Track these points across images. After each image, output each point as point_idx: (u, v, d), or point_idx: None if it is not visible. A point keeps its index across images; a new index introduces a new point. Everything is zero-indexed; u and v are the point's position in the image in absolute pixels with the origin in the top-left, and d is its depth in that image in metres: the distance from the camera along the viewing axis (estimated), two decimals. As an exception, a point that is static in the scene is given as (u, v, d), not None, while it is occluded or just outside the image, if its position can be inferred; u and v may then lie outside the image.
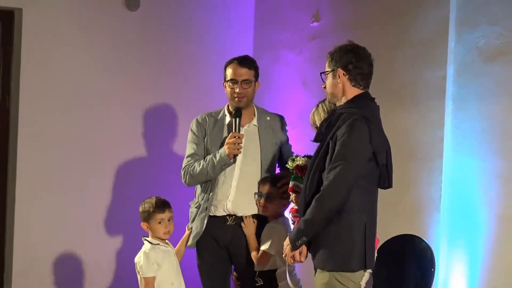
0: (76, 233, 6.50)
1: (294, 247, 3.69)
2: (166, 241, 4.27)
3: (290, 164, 4.14)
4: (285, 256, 3.79)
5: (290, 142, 4.79)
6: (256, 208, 4.39)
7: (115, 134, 6.66)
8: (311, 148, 5.58)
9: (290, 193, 4.11)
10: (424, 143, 5.33)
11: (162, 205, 4.19)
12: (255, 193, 4.36)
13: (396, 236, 4.13)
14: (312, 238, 3.69)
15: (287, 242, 3.75)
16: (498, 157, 5.02)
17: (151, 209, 4.18)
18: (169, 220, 4.17)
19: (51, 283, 6.44)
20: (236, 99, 4.38)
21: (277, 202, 4.31)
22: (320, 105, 4.19)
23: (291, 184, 4.11)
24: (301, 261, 3.78)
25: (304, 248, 3.72)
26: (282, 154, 4.56)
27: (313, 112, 4.22)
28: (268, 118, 4.51)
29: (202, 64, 6.96)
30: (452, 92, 5.31)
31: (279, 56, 6.75)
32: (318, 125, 4.14)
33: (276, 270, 4.27)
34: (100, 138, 6.59)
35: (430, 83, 5.39)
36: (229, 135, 4.28)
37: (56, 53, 6.42)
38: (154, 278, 4.10)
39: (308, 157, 4.12)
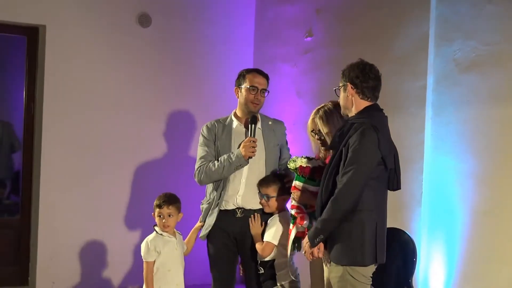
0: (96, 224, 6.53)
1: (312, 244, 3.69)
2: (176, 231, 4.28)
3: (291, 165, 4.10)
4: (305, 252, 3.80)
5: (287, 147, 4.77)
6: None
7: (129, 136, 6.70)
8: (304, 151, 5.61)
9: (293, 191, 4.11)
10: (407, 145, 5.34)
11: (163, 202, 4.20)
12: (259, 194, 4.38)
13: None
14: (328, 236, 3.67)
15: (306, 240, 3.76)
16: (473, 158, 5.04)
17: (155, 203, 4.23)
18: (169, 216, 4.17)
19: (74, 271, 6.46)
20: (253, 104, 4.38)
21: (279, 200, 4.30)
22: (320, 110, 4.15)
23: (293, 183, 4.10)
24: (319, 257, 3.78)
25: (321, 245, 3.72)
26: (280, 154, 4.55)
27: (313, 118, 4.18)
28: (270, 122, 4.52)
29: (208, 75, 6.99)
30: (432, 100, 5.33)
31: (276, 68, 6.77)
32: (320, 129, 4.13)
33: (275, 260, 4.29)
34: (116, 139, 6.63)
35: (412, 92, 5.42)
36: (246, 139, 4.27)
37: (76, 65, 6.46)
38: (153, 262, 4.14)
39: (307, 158, 4.12)
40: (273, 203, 4.29)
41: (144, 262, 4.16)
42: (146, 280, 4.14)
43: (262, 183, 4.34)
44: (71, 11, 6.40)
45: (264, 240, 4.25)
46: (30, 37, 6.42)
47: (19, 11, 6.23)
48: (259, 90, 4.37)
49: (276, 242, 4.20)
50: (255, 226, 4.32)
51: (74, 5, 6.41)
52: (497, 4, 4.91)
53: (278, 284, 4.24)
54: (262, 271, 4.34)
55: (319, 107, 4.23)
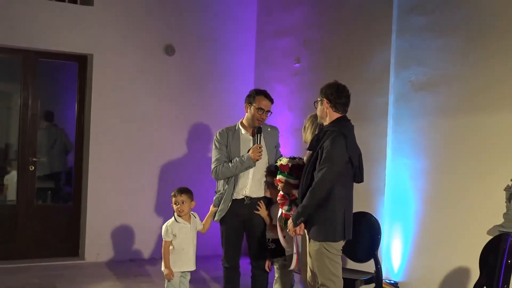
0: (131, 209, 6.56)
1: (295, 224, 3.69)
2: (191, 214, 4.23)
3: (278, 163, 4.12)
4: (289, 230, 3.81)
5: (279, 148, 4.74)
6: (264, 191, 4.37)
7: (157, 141, 6.71)
8: (291, 151, 5.64)
9: (278, 183, 4.08)
10: (373, 148, 5.39)
11: (177, 191, 4.17)
12: (264, 182, 4.36)
13: (354, 212, 4.12)
14: (307, 218, 3.68)
15: (290, 221, 3.77)
16: (424, 158, 5.09)
17: (172, 194, 4.21)
18: (183, 203, 4.13)
19: (113, 244, 6.51)
20: (258, 121, 4.31)
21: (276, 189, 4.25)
22: (314, 115, 4.12)
23: (277, 177, 4.09)
24: (300, 234, 3.80)
25: (302, 225, 3.73)
26: (276, 153, 4.50)
27: (311, 115, 4.19)
28: (269, 129, 4.46)
29: (218, 93, 7.01)
30: (392, 113, 5.37)
31: (272, 87, 6.69)
32: (306, 126, 4.16)
33: (285, 236, 4.17)
34: (146, 143, 6.65)
35: (377, 107, 5.46)
36: (254, 146, 4.23)
37: (116, 85, 6.50)
38: (169, 242, 4.12)
39: (292, 158, 4.12)
40: (273, 191, 4.25)
41: (163, 241, 4.16)
42: (163, 255, 4.14)
43: (267, 173, 4.31)
44: (112, 43, 6.45)
45: (274, 222, 4.21)
46: (81, 63, 6.47)
47: (72, 43, 6.29)
48: (264, 111, 4.31)
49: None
50: (262, 210, 4.30)
51: (114, 38, 6.46)
52: (444, 38, 4.96)
53: (286, 255, 4.19)
54: (273, 246, 4.27)
55: (313, 114, 4.16)
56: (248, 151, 4.27)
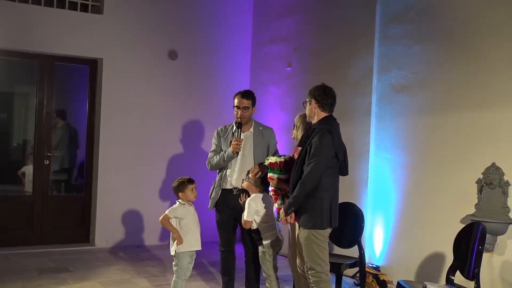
0: (137, 199, 6.53)
1: (286, 214, 3.68)
2: (190, 203, 4.16)
3: (266, 162, 4.07)
4: (281, 219, 3.77)
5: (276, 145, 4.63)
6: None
7: (161, 136, 6.69)
8: (282, 147, 5.62)
9: (270, 180, 4.01)
10: (357, 144, 5.39)
11: (188, 182, 4.13)
12: (243, 179, 4.28)
13: (340, 203, 4.10)
14: (297, 208, 3.66)
15: (282, 211, 3.74)
16: (403, 153, 5.10)
17: (186, 182, 4.11)
18: (192, 191, 4.10)
19: (121, 231, 6.48)
20: (238, 118, 4.31)
21: (250, 185, 4.17)
22: (304, 114, 4.11)
23: (268, 175, 4.02)
24: (291, 222, 3.77)
25: (293, 214, 3.70)
26: (268, 152, 4.46)
27: (301, 115, 4.14)
28: (260, 128, 4.43)
29: (216, 94, 6.97)
30: (375, 112, 5.37)
31: (266, 89, 6.79)
32: (297, 125, 4.14)
33: (257, 228, 4.14)
34: (151, 138, 6.61)
35: (361, 107, 5.46)
36: (233, 139, 4.25)
37: (123, 86, 6.46)
38: (169, 217, 4.02)
39: (278, 156, 4.07)
40: (248, 187, 4.19)
41: (165, 214, 4.06)
42: (165, 225, 4.04)
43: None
44: (120, 48, 6.41)
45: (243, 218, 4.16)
46: (92, 66, 6.43)
47: (84, 48, 6.25)
48: (240, 108, 4.28)
49: (250, 219, 4.09)
50: (243, 202, 4.24)
51: (122, 44, 6.42)
52: (421, 46, 4.98)
53: (264, 243, 4.14)
54: (254, 235, 4.23)
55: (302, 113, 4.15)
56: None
